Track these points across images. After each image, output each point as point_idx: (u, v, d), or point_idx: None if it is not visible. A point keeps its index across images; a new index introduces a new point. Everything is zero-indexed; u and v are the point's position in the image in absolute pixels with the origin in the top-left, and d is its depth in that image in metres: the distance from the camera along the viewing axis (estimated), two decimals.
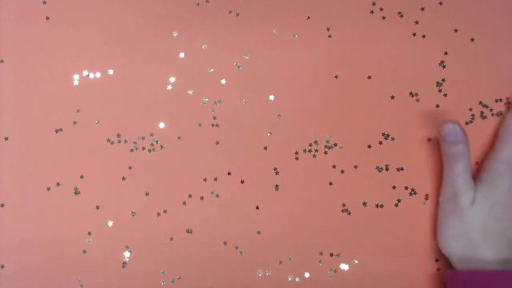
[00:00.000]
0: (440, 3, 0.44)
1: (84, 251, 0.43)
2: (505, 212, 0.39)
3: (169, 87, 0.43)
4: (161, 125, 0.43)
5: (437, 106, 0.43)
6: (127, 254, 0.43)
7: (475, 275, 0.39)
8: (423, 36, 0.44)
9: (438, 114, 0.43)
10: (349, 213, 0.43)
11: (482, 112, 0.43)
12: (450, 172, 0.41)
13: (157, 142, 0.43)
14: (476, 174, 0.42)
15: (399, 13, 0.44)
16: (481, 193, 0.40)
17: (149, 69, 0.43)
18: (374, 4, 0.44)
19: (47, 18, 0.44)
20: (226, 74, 0.44)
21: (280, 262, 0.42)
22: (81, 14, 0.44)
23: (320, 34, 0.44)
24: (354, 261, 0.42)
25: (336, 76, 0.43)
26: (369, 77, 0.43)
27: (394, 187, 0.43)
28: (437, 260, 0.42)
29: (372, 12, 0.44)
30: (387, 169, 0.43)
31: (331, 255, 0.43)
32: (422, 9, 0.44)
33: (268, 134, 0.43)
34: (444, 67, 0.43)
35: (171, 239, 0.43)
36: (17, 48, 0.43)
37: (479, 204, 0.40)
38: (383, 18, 0.44)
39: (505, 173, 0.40)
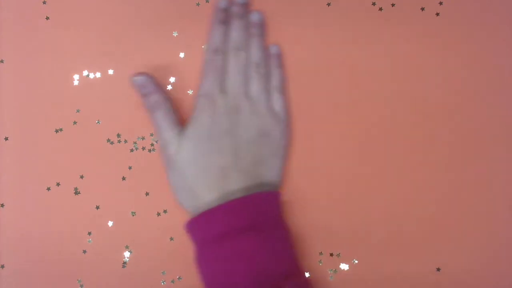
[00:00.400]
0: (440, 3, 0.44)
1: (84, 251, 0.42)
2: (211, 145, 0.39)
3: (169, 87, 0.43)
4: None
5: (438, 106, 0.43)
6: (127, 254, 0.43)
7: (197, 220, 0.38)
8: (423, 36, 0.44)
9: (439, 114, 0.43)
10: (349, 213, 0.43)
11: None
12: (154, 124, 0.40)
13: (157, 142, 0.43)
14: None
15: (399, 13, 0.44)
16: (185, 136, 0.39)
17: (149, 69, 0.43)
18: (374, 4, 0.44)
19: (47, 18, 0.44)
20: None
21: None
22: (81, 14, 0.44)
23: (320, 34, 0.44)
24: (354, 261, 0.42)
25: (336, 76, 0.43)
26: (369, 77, 0.43)
27: (394, 187, 0.43)
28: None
29: (372, 12, 0.44)
30: (387, 169, 0.43)
31: (331, 255, 0.43)
32: (422, 9, 0.44)
33: None
34: (444, 67, 0.43)
35: (171, 239, 0.43)
36: (17, 48, 0.43)
37: (184, 148, 0.39)
38: (383, 18, 0.44)
39: (205, 107, 0.40)
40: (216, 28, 0.41)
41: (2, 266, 0.42)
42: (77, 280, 0.42)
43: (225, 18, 0.42)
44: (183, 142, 0.39)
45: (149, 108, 0.40)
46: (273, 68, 0.42)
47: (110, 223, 0.43)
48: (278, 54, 0.42)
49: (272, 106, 0.41)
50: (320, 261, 0.42)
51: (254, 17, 0.42)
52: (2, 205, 0.43)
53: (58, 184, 0.43)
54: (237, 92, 0.40)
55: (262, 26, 0.42)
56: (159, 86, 0.40)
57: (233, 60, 0.41)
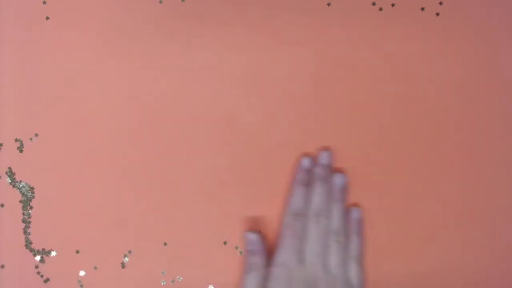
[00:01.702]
0: (440, 3, 0.44)
1: (84, 251, 0.42)
2: None
3: (169, 87, 0.43)
4: (161, 125, 0.43)
5: (437, 105, 0.43)
6: (127, 254, 0.43)
7: None
8: (424, 36, 0.44)
9: (439, 114, 0.43)
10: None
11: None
12: (241, 282, 0.40)
13: (157, 142, 0.43)
14: None
15: (399, 13, 0.44)
16: None
17: (149, 69, 0.43)
18: (374, 4, 0.44)
19: (47, 18, 0.44)
20: (226, 74, 0.44)
21: None
22: (81, 14, 0.44)
23: (320, 34, 0.44)
24: None
25: (336, 76, 0.43)
26: (369, 77, 0.43)
27: (394, 188, 0.43)
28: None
29: (372, 12, 0.44)
30: (387, 169, 0.43)
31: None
32: (422, 9, 0.44)
33: (268, 134, 0.43)
34: (444, 67, 0.43)
35: (171, 239, 0.43)
36: (17, 48, 0.43)
37: None
38: (383, 18, 0.44)
39: (281, 278, 0.38)
40: (298, 190, 0.40)
41: (2, 266, 0.42)
42: (77, 280, 0.42)
43: (308, 179, 0.41)
44: None
45: (245, 265, 0.40)
46: (353, 235, 0.40)
47: (110, 223, 0.43)
48: (359, 220, 0.41)
49: (349, 279, 0.39)
50: None
51: (338, 181, 0.41)
52: (2, 205, 0.43)
53: (58, 184, 0.43)
54: (315, 264, 0.39)
55: (345, 190, 0.41)
56: (264, 249, 0.40)
57: (314, 227, 0.39)
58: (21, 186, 0.43)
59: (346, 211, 0.41)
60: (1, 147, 0.43)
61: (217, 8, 0.44)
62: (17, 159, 0.43)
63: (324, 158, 0.41)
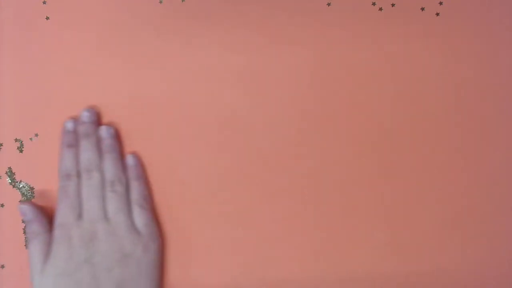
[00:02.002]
0: (440, 3, 0.44)
1: None
2: (69, 280, 0.37)
3: (169, 87, 0.43)
4: (161, 125, 0.43)
5: (437, 106, 0.43)
6: None
7: None
8: (424, 36, 0.44)
9: (439, 114, 0.43)
10: (349, 213, 0.43)
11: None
12: (28, 252, 0.40)
13: (156, 142, 0.43)
14: None
15: (399, 13, 0.44)
16: (44, 274, 0.38)
17: (149, 69, 0.43)
18: (374, 4, 0.44)
19: (47, 18, 0.44)
20: (226, 74, 0.44)
21: (280, 262, 0.42)
22: (81, 14, 0.44)
23: (320, 34, 0.44)
24: (354, 261, 0.42)
25: (335, 76, 0.43)
26: (369, 77, 0.43)
27: (394, 187, 0.43)
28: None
29: (372, 12, 0.44)
30: (387, 169, 0.43)
31: (331, 255, 0.43)
32: (422, 9, 0.44)
33: (268, 134, 0.43)
34: (444, 67, 0.43)
35: (171, 238, 0.43)
36: (17, 48, 0.43)
37: (44, 285, 0.38)
38: (383, 18, 0.44)
39: (61, 239, 0.39)
40: (65, 152, 0.41)
41: (2, 266, 0.42)
42: None
43: (73, 140, 0.41)
44: (43, 281, 0.38)
45: (27, 236, 0.40)
46: (131, 181, 0.41)
47: None
48: (135, 165, 0.42)
49: (133, 223, 0.40)
50: (319, 261, 0.42)
51: (103, 133, 0.41)
52: (2, 205, 0.43)
53: (58, 184, 0.43)
54: (93, 217, 0.39)
55: (114, 140, 0.42)
56: (41, 216, 0.40)
57: (86, 183, 0.40)
58: (21, 186, 0.43)
59: (122, 159, 0.42)
60: (1, 147, 0.43)
61: (217, 8, 0.44)
62: (17, 159, 0.43)
63: (85, 116, 0.42)
